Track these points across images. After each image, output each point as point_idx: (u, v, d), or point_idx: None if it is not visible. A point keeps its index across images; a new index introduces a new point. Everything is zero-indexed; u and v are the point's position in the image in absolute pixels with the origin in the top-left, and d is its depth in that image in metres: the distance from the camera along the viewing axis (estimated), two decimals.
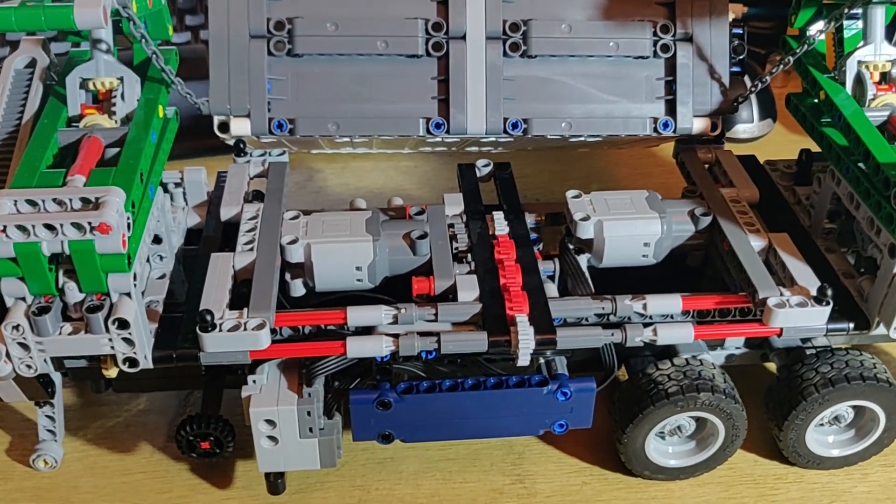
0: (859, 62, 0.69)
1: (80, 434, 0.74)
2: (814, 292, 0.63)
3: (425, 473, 0.71)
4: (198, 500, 0.69)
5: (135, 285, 0.57)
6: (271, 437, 0.63)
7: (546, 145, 0.84)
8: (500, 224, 0.71)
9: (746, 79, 0.76)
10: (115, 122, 0.64)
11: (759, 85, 0.74)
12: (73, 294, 0.57)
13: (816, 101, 0.72)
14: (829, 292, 0.62)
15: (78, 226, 0.53)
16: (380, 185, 1.03)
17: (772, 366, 0.73)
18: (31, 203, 0.54)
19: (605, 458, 0.72)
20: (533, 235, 0.72)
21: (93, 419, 0.75)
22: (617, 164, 1.07)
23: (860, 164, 0.66)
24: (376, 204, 0.74)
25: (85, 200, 0.54)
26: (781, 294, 0.63)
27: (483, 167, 0.79)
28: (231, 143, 0.75)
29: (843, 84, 0.69)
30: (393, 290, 0.68)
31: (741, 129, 1.09)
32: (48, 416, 0.70)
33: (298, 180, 1.05)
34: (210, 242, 0.71)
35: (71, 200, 0.54)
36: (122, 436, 0.74)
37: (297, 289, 0.68)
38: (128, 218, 0.56)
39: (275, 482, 0.67)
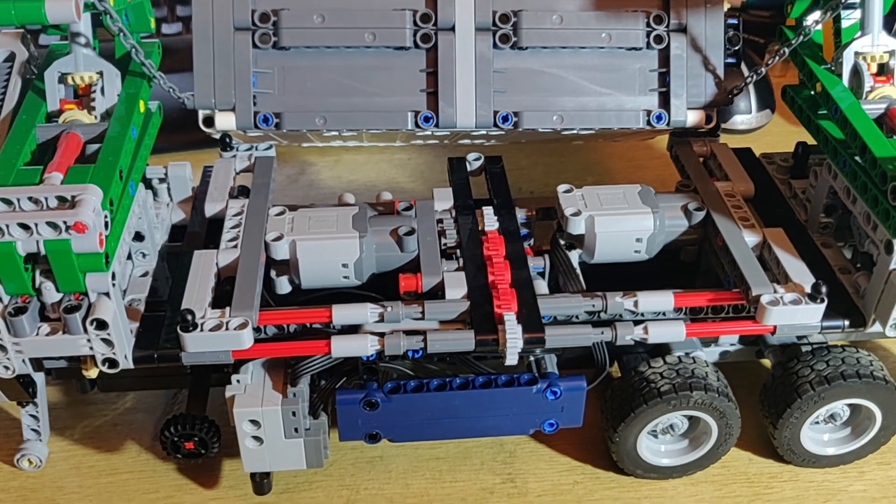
0: (856, 53, 0.67)
1: (66, 433, 0.73)
2: (808, 289, 0.62)
3: (415, 473, 0.70)
4: (184, 500, 0.68)
5: (113, 285, 0.56)
6: (256, 438, 0.62)
7: (539, 138, 0.83)
8: (489, 219, 0.69)
9: (744, 67, 0.75)
10: (95, 117, 0.63)
11: (755, 76, 0.72)
12: (51, 294, 0.56)
13: (813, 93, 0.70)
14: (824, 290, 0.61)
15: (53, 225, 0.52)
16: (372, 179, 1.02)
17: (767, 362, 0.72)
18: (6, 202, 0.53)
19: (597, 456, 0.71)
20: (524, 231, 0.71)
21: (79, 418, 0.74)
22: (612, 156, 1.05)
23: (857, 158, 0.64)
24: (368, 198, 0.73)
25: (61, 199, 0.53)
26: (775, 291, 0.62)
27: (474, 161, 0.77)
28: (217, 137, 0.74)
29: (840, 76, 0.68)
30: (380, 286, 0.66)
31: (739, 121, 1.08)
32: (32, 416, 0.69)
33: (290, 174, 1.03)
34: (194, 239, 0.70)
35: (46, 199, 0.53)
36: (108, 435, 0.73)
37: (283, 286, 0.67)
38: (105, 216, 0.55)
39: (261, 482, 0.66)
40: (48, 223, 0.52)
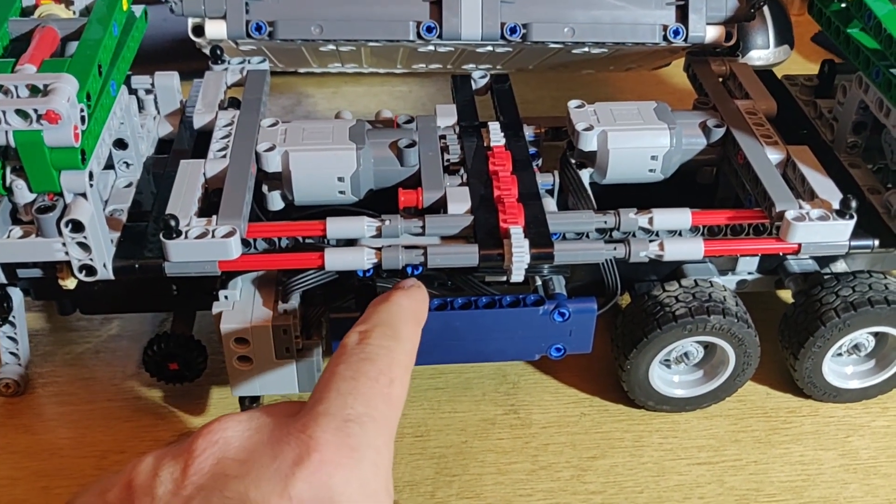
0: None
1: (47, 360, 0.69)
2: (837, 205, 0.58)
3: (412, 402, 0.66)
4: (168, 428, 0.64)
5: (91, 185, 0.52)
6: (244, 358, 0.58)
7: (547, 62, 0.79)
8: (495, 135, 0.65)
9: None
10: (74, 12, 0.58)
11: None
12: (23, 194, 0.51)
13: (843, 4, 0.66)
14: (854, 204, 0.57)
15: (23, 114, 0.48)
16: (372, 110, 0.97)
17: (787, 297, 0.68)
18: None
19: (606, 388, 0.67)
20: (532, 150, 0.67)
21: (60, 345, 0.71)
22: (623, 91, 1.01)
23: (893, 69, 0.60)
24: None
25: (33, 89, 0.49)
26: (801, 207, 0.58)
27: (480, 79, 0.73)
28: (206, 49, 0.70)
29: None
30: (379, 205, 0.62)
31: (755, 56, 1.03)
32: (10, 338, 0.65)
33: (286, 104, 0.99)
34: (181, 155, 0.65)
35: (17, 88, 0.48)
36: (90, 362, 0.70)
37: (276, 202, 0.63)
38: (82, 110, 0.50)
39: (250, 408, 0.62)
40: (18, 111, 0.48)
